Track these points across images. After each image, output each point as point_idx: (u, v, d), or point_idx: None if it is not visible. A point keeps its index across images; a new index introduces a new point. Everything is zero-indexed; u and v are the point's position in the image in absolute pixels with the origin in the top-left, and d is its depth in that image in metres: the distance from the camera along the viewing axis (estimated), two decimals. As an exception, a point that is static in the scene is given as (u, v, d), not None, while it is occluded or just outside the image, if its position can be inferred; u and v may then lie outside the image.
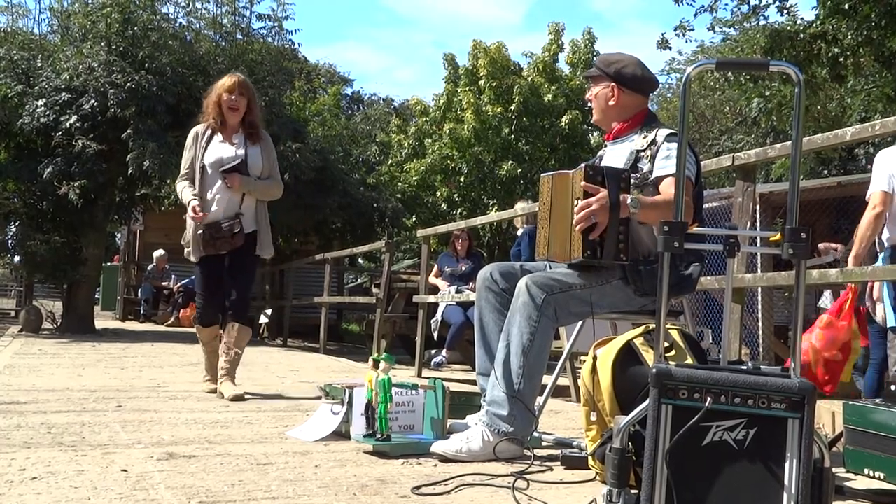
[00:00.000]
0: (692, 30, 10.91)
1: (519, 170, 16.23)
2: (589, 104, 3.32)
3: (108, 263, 19.13)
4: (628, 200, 2.79)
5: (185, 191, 4.63)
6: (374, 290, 12.07)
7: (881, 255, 4.70)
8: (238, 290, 4.65)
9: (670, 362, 1.96)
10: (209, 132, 4.68)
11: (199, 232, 4.54)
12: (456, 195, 16.83)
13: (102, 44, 10.35)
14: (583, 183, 2.80)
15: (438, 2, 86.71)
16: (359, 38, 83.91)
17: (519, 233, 8.28)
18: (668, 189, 2.88)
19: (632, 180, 2.89)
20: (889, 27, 9.10)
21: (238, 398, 4.40)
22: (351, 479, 2.52)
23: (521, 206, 8.23)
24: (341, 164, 14.01)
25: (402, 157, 17.78)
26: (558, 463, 2.84)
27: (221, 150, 4.64)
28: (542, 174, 3.21)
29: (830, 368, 4.44)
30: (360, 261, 21.12)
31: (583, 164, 2.89)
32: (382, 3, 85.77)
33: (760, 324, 4.15)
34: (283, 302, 13.80)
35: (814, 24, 10.04)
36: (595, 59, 3.32)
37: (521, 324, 2.91)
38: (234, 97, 4.62)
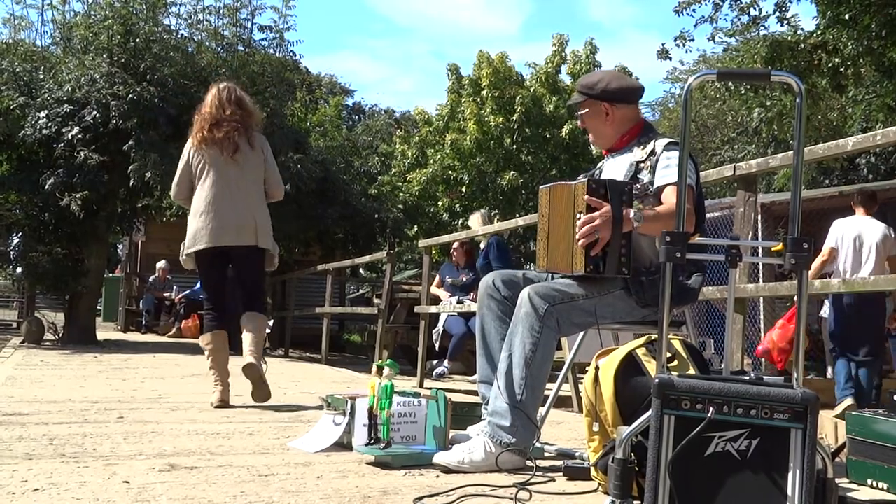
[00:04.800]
0: (692, 40, 10.89)
1: (520, 180, 16.26)
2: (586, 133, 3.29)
3: (110, 274, 19.14)
4: (631, 214, 2.78)
5: None
6: (376, 301, 12.06)
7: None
8: None
9: (673, 373, 1.95)
10: None
11: None
12: (458, 205, 16.85)
13: (104, 55, 10.39)
14: (586, 197, 2.78)
15: (436, 11, 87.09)
16: (356, 47, 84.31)
17: (482, 244, 8.16)
18: (669, 198, 2.88)
19: (634, 191, 2.88)
20: (889, 37, 9.12)
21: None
22: (353, 491, 2.52)
23: (477, 218, 8.20)
24: (343, 174, 14.03)
25: (406, 166, 17.81)
26: (561, 474, 2.84)
27: None
28: (541, 186, 3.20)
29: (782, 355, 6.14)
30: (361, 271, 21.11)
31: (584, 177, 2.87)
32: (380, 12, 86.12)
33: (763, 334, 4.16)
34: (284, 312, 13.80)
35: (814, 35, 10.06)
36: (576, 86, 3.28)
37: (523, 334, 2.90)
38: None
